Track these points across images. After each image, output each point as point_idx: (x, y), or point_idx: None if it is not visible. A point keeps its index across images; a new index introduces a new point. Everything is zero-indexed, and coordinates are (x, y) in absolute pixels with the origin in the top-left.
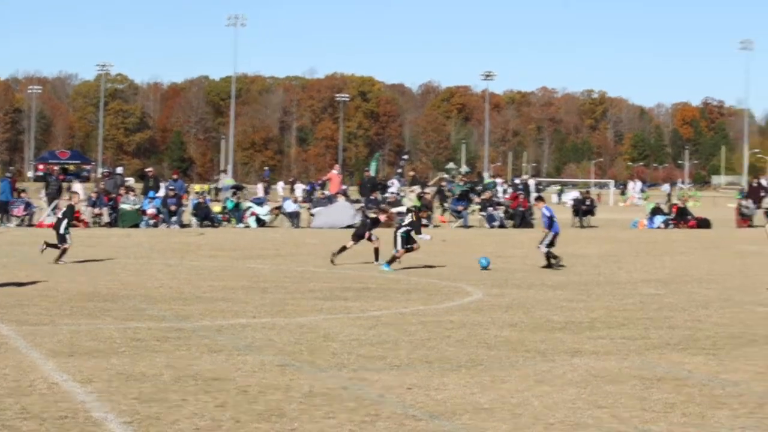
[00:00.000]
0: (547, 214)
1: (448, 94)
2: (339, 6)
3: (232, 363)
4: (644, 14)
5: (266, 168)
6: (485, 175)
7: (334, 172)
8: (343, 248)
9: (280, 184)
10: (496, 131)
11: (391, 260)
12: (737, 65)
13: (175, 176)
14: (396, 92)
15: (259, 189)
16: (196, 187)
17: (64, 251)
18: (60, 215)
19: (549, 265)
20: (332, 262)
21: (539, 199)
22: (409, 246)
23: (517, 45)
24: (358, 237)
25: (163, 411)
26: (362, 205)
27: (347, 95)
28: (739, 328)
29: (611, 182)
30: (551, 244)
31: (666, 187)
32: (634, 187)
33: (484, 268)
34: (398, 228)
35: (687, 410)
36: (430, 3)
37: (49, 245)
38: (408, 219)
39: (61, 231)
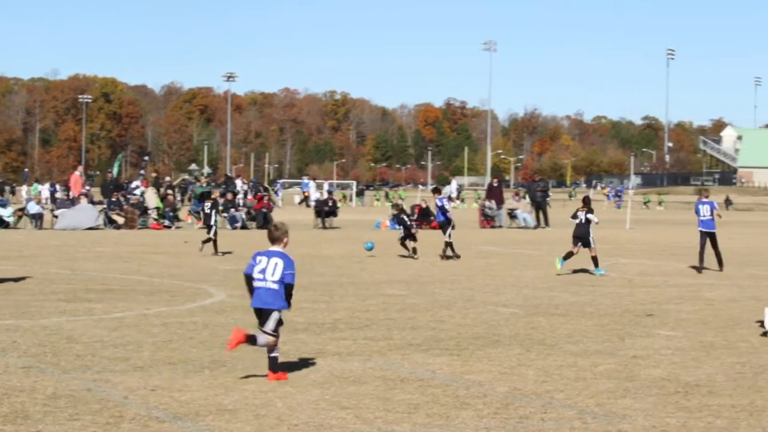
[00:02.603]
0: (439, 204)
1: (191, 96)
2: (81, 7)
3: None
4: (385, 15)
5: (26, 170)
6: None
7: (77, 174)
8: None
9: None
10: (238, 132)
11: (596, 262)
12: (480, 66)
13: None
14: (139, 93)
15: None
16: None
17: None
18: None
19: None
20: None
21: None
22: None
23: (259, 46)
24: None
25: None
26: (104, 206)
27: (90, 96)
28: (482, 328)
29: (353, 183)
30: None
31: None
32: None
33: (369, 249)
34: (585, 225)
35: (431, 411)
36: (171, 3)
37: (205, 242)
38: (582, 214)
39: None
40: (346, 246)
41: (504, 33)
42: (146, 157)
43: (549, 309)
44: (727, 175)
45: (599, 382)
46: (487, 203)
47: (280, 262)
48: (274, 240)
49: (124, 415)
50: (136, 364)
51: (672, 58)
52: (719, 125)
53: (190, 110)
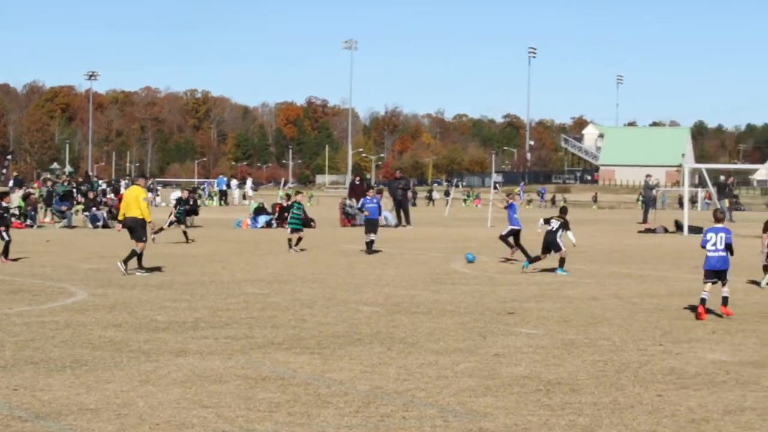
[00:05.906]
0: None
1: (53, 94)
2: None
3: None
4: (246, 12)
5: None
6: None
7: None
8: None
9: None
10: (99, 131)
11: (562, 263)
12: (341, 65)
13: None
14: (1, 92)
15: None
16: None
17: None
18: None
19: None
20: None
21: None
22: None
23: (120, 44)
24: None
25: None
26: None
27: None
28: (343, 327)
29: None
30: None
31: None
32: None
33: (470, 261)
34: (554, 232)
35: (292, 409)
36: (32, 1)
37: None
38: (557, 223)
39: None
40: (206, 244)
41: (365, 32)
42: (9, 157)
43: (410, 307)
44: (588, 173)
45: (460, 380)
46: (348, 201)
47: (723, 235)
48: (718, 220)
49: None
50: None
51: (533, 56)
52: (581, 123)
53: (51, 109)
